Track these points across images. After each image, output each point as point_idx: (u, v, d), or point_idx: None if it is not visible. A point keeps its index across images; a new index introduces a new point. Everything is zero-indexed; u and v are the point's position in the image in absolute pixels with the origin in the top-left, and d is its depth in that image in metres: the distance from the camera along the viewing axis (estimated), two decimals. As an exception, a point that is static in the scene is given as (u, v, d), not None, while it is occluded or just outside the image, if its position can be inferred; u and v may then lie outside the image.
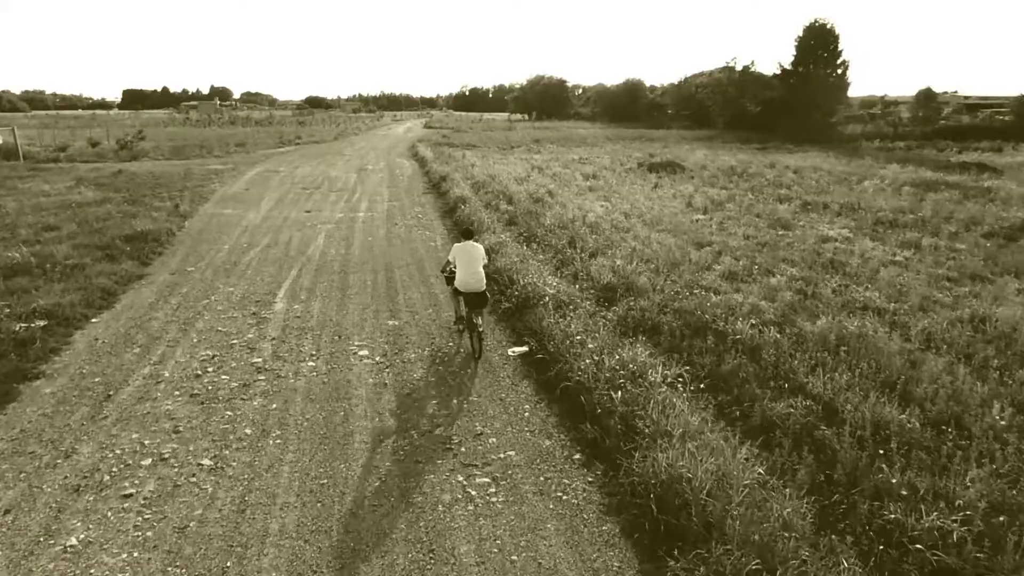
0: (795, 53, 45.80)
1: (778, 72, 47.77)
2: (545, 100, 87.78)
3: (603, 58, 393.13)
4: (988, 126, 43.34)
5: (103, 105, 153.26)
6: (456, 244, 7.26)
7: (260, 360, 7.10)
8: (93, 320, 8.24)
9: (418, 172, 24.46)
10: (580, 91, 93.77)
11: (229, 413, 5.92)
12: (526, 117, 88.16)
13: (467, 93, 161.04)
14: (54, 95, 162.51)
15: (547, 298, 8.23)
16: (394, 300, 9.33)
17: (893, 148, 38.00)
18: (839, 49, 44.43)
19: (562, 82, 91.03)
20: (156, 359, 7.07)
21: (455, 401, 6.28)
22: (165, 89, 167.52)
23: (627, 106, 74.04)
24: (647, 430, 5.06)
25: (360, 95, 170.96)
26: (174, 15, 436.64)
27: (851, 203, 17.04)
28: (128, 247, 11.46)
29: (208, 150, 32.12)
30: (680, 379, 6.26)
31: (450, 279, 7.46)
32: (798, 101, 44.38)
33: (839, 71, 44.76)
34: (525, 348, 7.53)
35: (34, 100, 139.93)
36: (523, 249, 11.43)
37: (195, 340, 7.64)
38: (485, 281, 7.08)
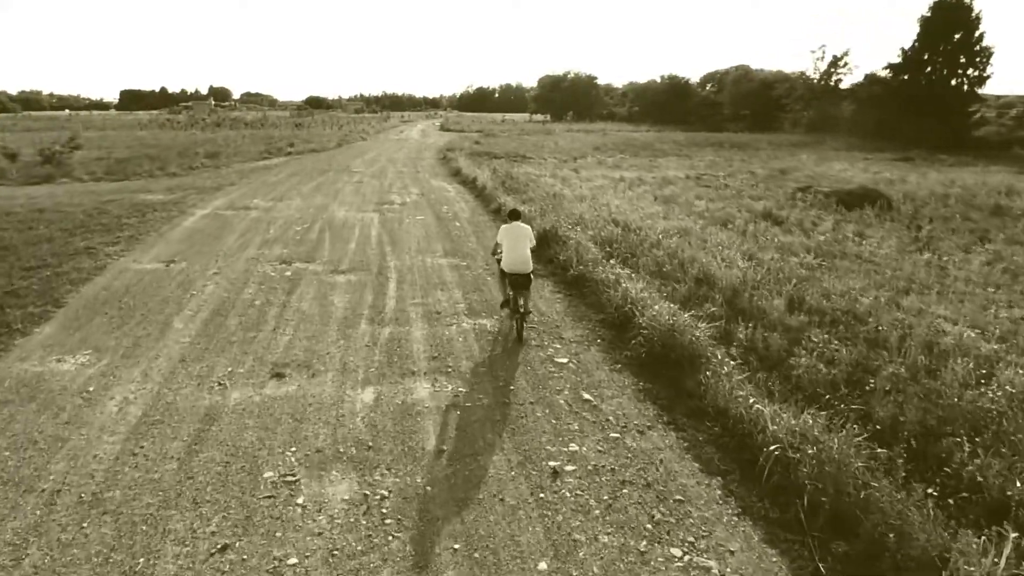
0: (917, 38, 36.29)
1: (895, 61, 38.09)
2: (572, 99, 78.32)
3: (603, 57, 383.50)
4: None
5: (100, 106, 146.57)
6: (504, 225, 7.05)
7: None
8: None
9: (480, 211, 15.00)
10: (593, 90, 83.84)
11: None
12: (548, 117, 78.92)
13: (472, 92, 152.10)
14: (51, 95, 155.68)
15: None
16: None
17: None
18: (979, 33, 34.97)
19: (591, 79, 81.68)
20: None
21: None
22: (163, 89, 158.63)
23: (672, 105, 64.83)
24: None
25: (362, 95, 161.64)
26: (175, 15, 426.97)
27: None
28: None
29: (162, 165, 22.68)
30: None
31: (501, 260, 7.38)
32: (922, 98, 34.97)
33: (977, 59, 35.31)
34: None
35: (30, 101, 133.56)
36: None
37: None
38: (531, 263, 6.87)
